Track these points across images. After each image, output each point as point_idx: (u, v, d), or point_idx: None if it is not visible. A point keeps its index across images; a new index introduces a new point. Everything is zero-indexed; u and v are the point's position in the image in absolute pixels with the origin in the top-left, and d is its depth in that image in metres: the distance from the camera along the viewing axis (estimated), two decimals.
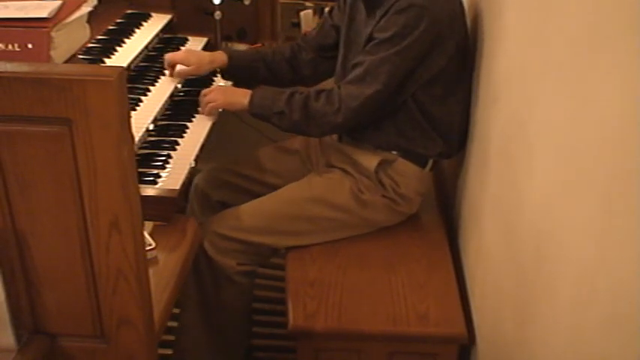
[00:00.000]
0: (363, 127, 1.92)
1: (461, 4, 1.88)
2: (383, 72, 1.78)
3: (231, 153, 2.30)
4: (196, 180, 2.20)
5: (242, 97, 1.94)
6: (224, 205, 2.14)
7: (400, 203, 1.97)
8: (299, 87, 2.01)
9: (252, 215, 1.95)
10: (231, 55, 2.16)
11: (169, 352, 2.23)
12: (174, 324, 2.17)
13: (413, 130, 1.90)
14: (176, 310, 2.09)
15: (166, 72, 2.15)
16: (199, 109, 2.02)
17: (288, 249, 1.96)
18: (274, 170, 2.17)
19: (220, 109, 2.03)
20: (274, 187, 2.08)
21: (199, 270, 1.94)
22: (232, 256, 1.94)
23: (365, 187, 1.94)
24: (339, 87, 1.86)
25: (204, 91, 2.04)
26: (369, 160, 1.94)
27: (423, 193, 2.01)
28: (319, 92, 1.86)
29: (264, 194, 2.06)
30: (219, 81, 2.26)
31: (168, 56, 2.13)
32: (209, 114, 2.00)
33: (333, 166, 2.02)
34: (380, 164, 1.93)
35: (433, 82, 1.84)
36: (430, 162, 1.96)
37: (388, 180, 1.94)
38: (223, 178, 2.18)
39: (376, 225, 1.99)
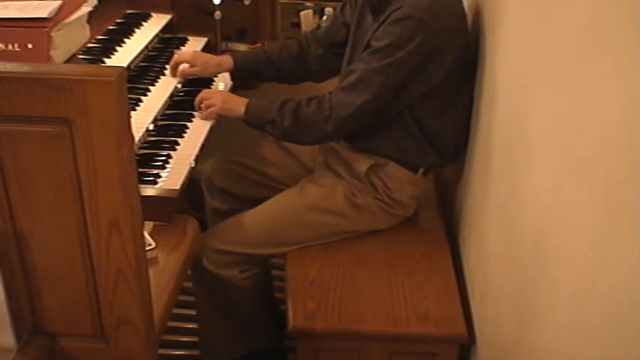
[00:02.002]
0: (357, 133, 1.92)
1: (464, 17, 1.84)
2: (375, 82, 1.76)
3: (237, 142, 2.30)
4: (205, 167, 2.22)
5: (240, 105, 1.94)
6: (226, 192, 2.19)
7: (393, 206, 1.96)
8: (303, 89, 2.00)
9: (248, 228, 1.95)
10: (236, 59, 2.15)
11: (170, 352, 2.24)
12: (175, 324, 2.18)
13: (407, 142, 1.90)
14: (176, 311, 2.09)
15: (167, 71, 2.15)
16: (196, 113, 2.01)
17: None
18: (276, 163, 2.18)
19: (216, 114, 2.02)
20: (275, 179, 2.13)
21: (203, 280, 1.95)
22: (233, 267, 1.94)
23: (358, 191, 1.94)
24: (330, 93, 1.84)
25: (204, 92, 2.02)
26: (361, 163, 1.93)
27: (417, 197, 2.00)
28: (311, 98, 1.86)
29: (264, 185, 2.12)
30: (219, 81, 2.26)
31: (176, 58, 2.13)
32: (206, 118, 1.99)
33: (328, 167, 2.02)
34: (371, 167, 1.93)
35: (430, 95, 1.83)
36: (422, 169, 1.95)
37: (379, 182, 1.94)
38: (227, 167, 2.20)
39: (373, 228, 1.99)
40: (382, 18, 1.78)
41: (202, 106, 1.99)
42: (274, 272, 2.46)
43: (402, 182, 1.94)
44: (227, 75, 2.22)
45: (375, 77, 1.76)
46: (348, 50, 2.00)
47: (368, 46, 1.80)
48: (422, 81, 1.79)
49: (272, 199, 2.00)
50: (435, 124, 1.88)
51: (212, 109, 1.97)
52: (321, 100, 1.84)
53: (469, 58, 1.87)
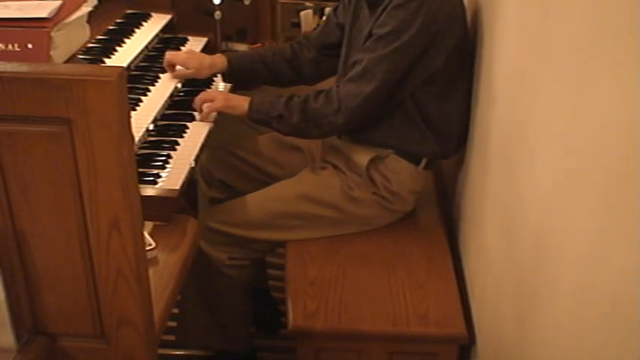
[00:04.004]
0: (361, 126, 1.92)
1: (462, 4, 1.87)
2: (381, 70, 1.77)
3: (235, 133, 2.30)
4: (201, 157, 2.21)
5: (243, 101, 1.94)
6: (224, 184, 2.21)
7: (392, 201, 1.96)
8: (298, 90, 2.01)
9: (243, 210, 1.96)
10: (231, 59, 2.15)
11: (170, 352, 2.24)
12: (175, 324, 2.17)
13: (409, 130, 1.90)
14: (176, 311, 2.09)
15: (167, 72, 2.15)
16: (196, 114, 2.00)
17: (288, 248, 1.96)
18: (273, 158, 2.19)
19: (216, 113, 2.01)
20: (271, 175, 2.15)
21: (194, 261, 1.95)
22: (223, 250, 1.96)
23: (355, 184, 1.95)
24: (337, 86, 1.86)
25: (203, 94, 2.01)
26: (362, 157, 1.94)
27: (416, 191, 2.00)
28: (318, 93, 1.87)
29: (260, 180, 2.13)
30: (219, 81, 2.26)
31: (169, 57, 2.13)
32: (207, 116, 1.98)
33: (327, 162, 2.03)
34: (372, 160, 1.93)
35: (431, 80, 1.84)
36: (424, 161, 1.96)
37: (379, 177, 1.94)
38: (224, 159, 2.21)
39: (369, 223, 1.99)
40: (381, 7, 1.80)
41: (204, 107, 1.98)
42: (274, 272, 2.47)
43: (402, 175, 1.94)
44: None
45: (381, 64, 1.77)
46: (343, 49, 2.01)
47: (369, 36, 1.82)
48: (425, 65, 1.81)
49: (270, 186, 2.03)
50: (437, 111, 1.89)
51: (213, 105, 1.96)
52: (329, 93, 1.85)
53: (467, 47, 1.89)
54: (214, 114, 1.99)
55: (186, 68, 2.11)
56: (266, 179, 2.16)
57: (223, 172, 2.21)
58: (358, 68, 1.81)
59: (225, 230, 1.95)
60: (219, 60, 2.15)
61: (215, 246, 1.95)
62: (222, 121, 2.04)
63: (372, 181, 1.95)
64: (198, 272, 1.98)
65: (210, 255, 1.96)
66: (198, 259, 1.94)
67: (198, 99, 2.00)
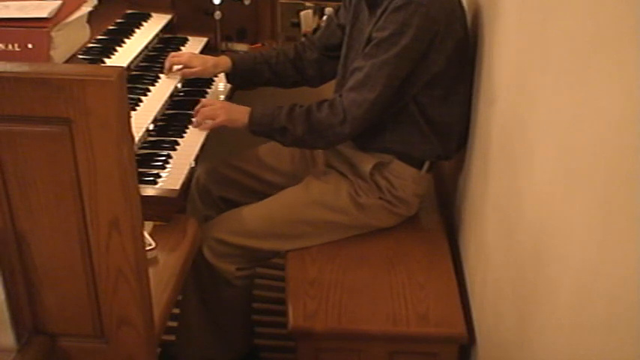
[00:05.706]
0: (365, 132, 1.92)
1: (461, 5, 1.86)
2: (383, 75, 1.76)
3: (232, 147, 2.29)
4: (197, 174, 2.20)
5: (243, 114, 1.91)
6: (225, 201, 2.16)
7: (397, 205, 1.96)
8: (300, 93, 2.00)
9: (250, 220, 1.94)
10: (235, 60, 2.15)
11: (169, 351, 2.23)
12: (175, 324, 2.17)
13: (411, 135, 1.89)
14: (176, 310, 2.09)
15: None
16: (193, 119, 1.96)
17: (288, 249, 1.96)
18: (274, 168, 2.17)
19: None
20: (273, 185, 2.10)
21: (199, 272, 1.95)
22: (231, 261, 1.94)
23: (361, 190, 1.94)
24: (340, 95, 1.83)
25: (204, 102, 2.00)
26: (365, 163, 1.93)
27: (420, 195, 2.00)
28: (321, 103, 1.85)
29: (263, 191, 2.08)
30: (219, 81, 2.26)
31: (172, 59, 2.12)
32: (205, 130, 1.94)
33: (331, 167, 2.02)
34: (375, 166, 1.92)
35: (433, 83, 1.83)
36: (427, 164, 1.95)
37: (384, 181, 1.94)
38: (224, 174, 2.19)
39: (375, 227, 1.99)
40: (380, 10, 1.79)
41: (206, 114, 1.95)
42: (273, 272, 2.47)
43: (406, 180, 1.94)
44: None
45: (383, 70, 1.76)
46: (343, 50, 2.00)
47: (369, 40, 1.81)
48: (426, 67, 1.80)
49: (276, 195, 2.00)
50: (439, 113, 1.88)
51: (215, 121, 1.93)
52: (333, 103, 1.83)
53: (468, 48, 1.88)
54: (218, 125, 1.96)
55: (191, 67, 2.11)
56: (266, 188, 2.12)
57: (224, 189, 2.18)
58: (359, 75, 1.79)
59: (233, 241, 1.92)
60: (223, 61, 2.14)
61: (222, 257, 1.93)
62: (219, 135, 2.02)
63: (378, 186, 1.94)
64: (201, 284, 1.97)
65: (218, 267, 1.93)
66: (203, 271, 1.94)
67: (200, 115, 1.95)
